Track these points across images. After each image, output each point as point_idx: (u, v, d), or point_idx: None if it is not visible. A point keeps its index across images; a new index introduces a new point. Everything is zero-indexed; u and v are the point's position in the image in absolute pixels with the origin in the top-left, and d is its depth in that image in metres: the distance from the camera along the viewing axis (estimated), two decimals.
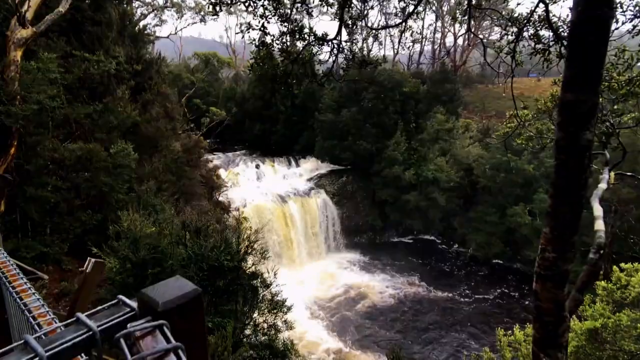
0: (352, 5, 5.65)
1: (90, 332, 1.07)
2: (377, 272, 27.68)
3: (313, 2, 5.62)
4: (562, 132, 2.75)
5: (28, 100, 10.92)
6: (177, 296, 1.17)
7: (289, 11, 5.23)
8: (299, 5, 5.24)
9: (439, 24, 45.04)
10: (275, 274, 10.09)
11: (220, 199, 22.86)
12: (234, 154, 34.45)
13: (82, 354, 1.10)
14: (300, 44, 6.03)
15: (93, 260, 5.90)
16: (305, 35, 5.46)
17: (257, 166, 31.79)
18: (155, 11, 36.90)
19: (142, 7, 35.27)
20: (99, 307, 1.22)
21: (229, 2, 4.85)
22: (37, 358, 0.94)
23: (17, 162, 11.58)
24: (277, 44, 5.62)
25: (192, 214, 10.38)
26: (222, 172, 26.89)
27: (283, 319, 9.77)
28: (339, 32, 5.24)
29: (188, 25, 43.46)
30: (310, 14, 5.62)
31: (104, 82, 15.11)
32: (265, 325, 9.66)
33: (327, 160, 34.73)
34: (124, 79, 16.34)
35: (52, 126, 12.82)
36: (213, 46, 57.62)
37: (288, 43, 5.80)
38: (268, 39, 5.42)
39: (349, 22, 5.74)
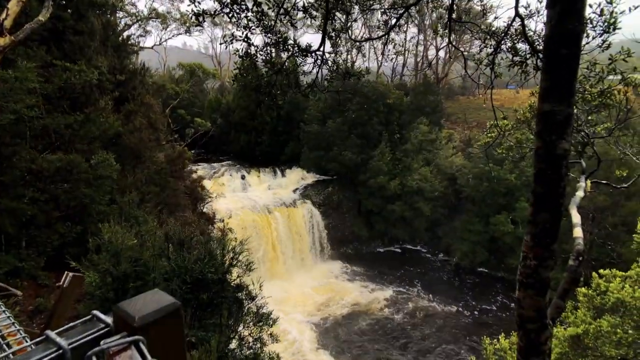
0: (336, 18, 5.77)
1: (60, 351, 1.03)
2: (364, 282, 27.53)
3: (297, 14, 5.71)
4: (540, 141, 2.83)
5: (4, 109, 10.60)
6: (155, 310, 1.13)
7: (273, 23, 5.30)
8: (283, 17, 5.31)
9: (421, 37, 46.20)
10: (260, 286, 9.92)
11: (205, 210, 22.52)
12: (219, 164, 34.13)
13: None
14: (284, 55, 6.10)
15: (71, 274, 5.70)
16: (289, 47, 5.53)
17: (243, 177, 31.56)
18: (139, 22, 36.63)
19: (126, 17, 34.98)
20: (71, 324, 1.17)
21: (212, 13, 4.87)
22: None
23: None
24: (261, 55, 5.66)
25: (175, 226, 10.16)
26: (207, 183, 26.55)
27: (269, 332, 9.58)
28: (322, 44, 5.33)
29: (173, 36, 43.20)
30: (294, 26, 5.70)
31: (85, 92, 14.82)
32: (250, 339, 9.45)
33: (313, 170, 34.81)
34: (106, 89, 16.08)
35: (29, 136, 12.46)
36: (198, 57, 57.50)
37: (272, 54, 5.85)
38: (252, 50, 5.45)
39: (332, 34, 5.85)
